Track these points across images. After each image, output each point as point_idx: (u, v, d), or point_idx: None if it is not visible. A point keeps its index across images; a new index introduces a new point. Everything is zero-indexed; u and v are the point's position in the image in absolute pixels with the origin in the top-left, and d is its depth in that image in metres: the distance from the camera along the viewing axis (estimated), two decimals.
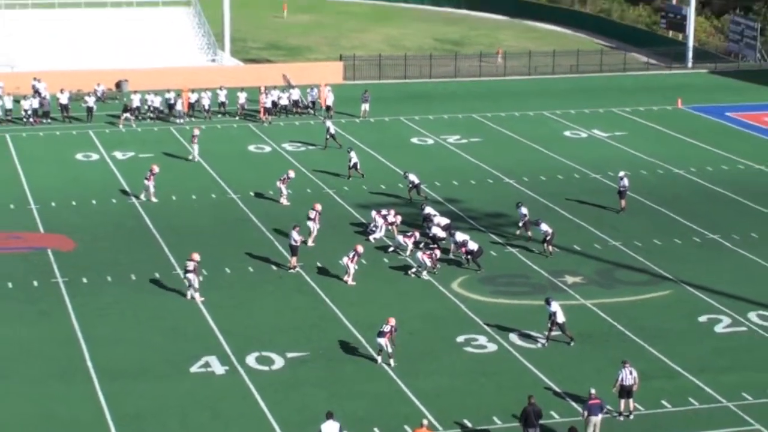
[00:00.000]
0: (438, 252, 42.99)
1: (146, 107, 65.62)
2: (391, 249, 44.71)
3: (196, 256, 40.06)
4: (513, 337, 37.09)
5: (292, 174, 51.07)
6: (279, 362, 35.13)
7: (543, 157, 59.35)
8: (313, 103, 68.08)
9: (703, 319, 39.00)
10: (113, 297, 40.07)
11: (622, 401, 32.04)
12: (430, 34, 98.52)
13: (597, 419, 30.41)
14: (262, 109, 65.87)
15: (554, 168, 57.05)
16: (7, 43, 76.18)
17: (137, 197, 50.51)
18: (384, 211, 46.53)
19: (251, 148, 60.40)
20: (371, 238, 45.56)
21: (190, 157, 56.91)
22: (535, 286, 41.78)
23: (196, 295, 39.77)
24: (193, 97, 66.51)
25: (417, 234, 44.98)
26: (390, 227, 45.90)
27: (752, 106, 72.49)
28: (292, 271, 42.44)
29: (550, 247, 44.52)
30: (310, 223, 45.54)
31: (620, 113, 69.91)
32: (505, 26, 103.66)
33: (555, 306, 36.51)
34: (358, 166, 54.17)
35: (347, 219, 48.71)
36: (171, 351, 35.82)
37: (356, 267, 41.44)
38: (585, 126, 66.30)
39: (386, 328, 34.84)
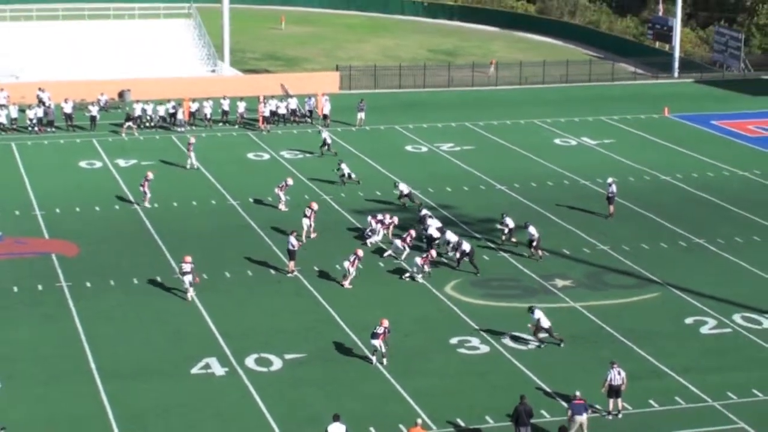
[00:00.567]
0: (434, 253, 43.65)
1: (148, 116, 66.33)
2: (387, 254, 45.46)
3: (189, 259, 40.90)
4: (505, 338, 37.58)
5: (290, 181, 51.70)
6: (277, 363, 35.51)
7: (534, 164, 59.95)
8: (311, 112, 68.71)
9: (689, 320, 39.45)
10: (116, 300, 40.51)
11: (611, 401, 32.38)
12: (424, 45, 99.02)
13: (582, 418, 30.71)
14: (261, 118, 66.50)
15: (544, 175, 57.65)
16: (13, 54, 76.78)
17: (139, 204, 51.07)
18: (380, 216, 47.37)
19: (250, 155, 61.00)
20: (368, 242, 46.33)
21: (188, 166, 57.62)
22: (527, 289, 42.32)
23: (191, 294, 40.62)
24: (194, 107, 67.33)
25: (413, 232, 45.43)
26: (386, 231, 46.68)
27: (736, 115, 73.10)
28: (290, 275, 43.08)
29: (540, 251, 45.19)
30: (305, 220, 46.57)
31: (608, 121, 70.51)
32: (496, 37, 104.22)
33: (538, 314, 37.03)
34: (353, 176, 54.90)
35: (344, 224, 49.28)
36: (172, 352, 36.20)
37: (356, 271, 42.03)
38: (574, 134, 66.87)
39: (380, 330, 35.44)
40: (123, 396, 33.29)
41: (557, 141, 65.54)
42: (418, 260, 42.85)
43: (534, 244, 45.06)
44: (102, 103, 68.91)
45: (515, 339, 37.73)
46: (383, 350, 35.54)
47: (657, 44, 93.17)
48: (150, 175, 51.54)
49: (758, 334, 38.49)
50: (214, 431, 31.59)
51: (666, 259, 45.63)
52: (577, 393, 31.40)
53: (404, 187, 51.76)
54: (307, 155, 60.58)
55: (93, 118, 65.36)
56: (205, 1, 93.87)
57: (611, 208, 50.57)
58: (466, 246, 43.67)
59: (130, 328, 38.29)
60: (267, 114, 66.63)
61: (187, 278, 40.63)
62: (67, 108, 65.22)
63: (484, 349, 37.06)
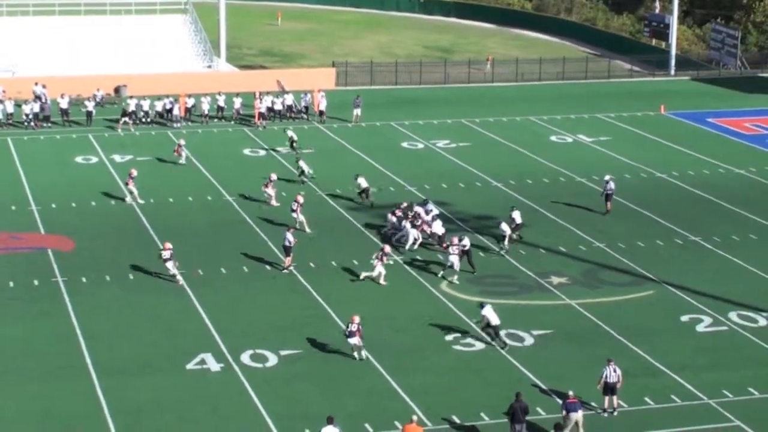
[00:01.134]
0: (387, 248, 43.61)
1: (143, 112, 66.35)
2: (395, 238, 45.75)
3: (169, 245, 41.39)
4: (501, 335, 37.32)
5: (274, 176, 51.70)
6: (273, 360, 35.56)
7: (529, 161, 60.03)
8: (306, 108, 68.80)
9: (685, 318, 39.50)
10: (112, 296, 40.56)
11: (607, 398, 32.41)
12: (420, 41, 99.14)
13: (578, 415, 30.72)
14: (257, 114, 66.64)
15: (540, 172, 57.71)
16: (9, 48, 76.66)
17: (124, 201, 51.10)
18: (399, 213, 47.00)
19: (246, 151, 61.02)
20: (405, 246, 45.51)
21: (181, 161, 57.57)
22: (522, 286, 42.37)
23: (179, 276, 41.29)
24: (190, 102, 67.35)
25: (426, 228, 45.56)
26: (421, 230, 46.09)
27: (732, 112, 73.19)
28: (285, 271, 43.11)
29: (507, 243, 45.47)
30: (293, 215, 46.88)
31: (605, 119, 70.59)
32: (492, 34, 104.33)
33: (487, 310, 36.90)
34: (310, 172, 54.51)
35: (339, 221, 49.35)
36: (168, 348, 36.23)
37: (383, 267, 42.12)
38: (570, 131, 66.95)
39: (353, 327, 35.47)
40: (118, 391, 33.32)
41: (553, 138, 65.63)
42: (455, 259, 42.52)
43: (505, 235, 45.35)
44: (98, 99, 68.95)
45: (510, 335, 37.72)
46: (361, 344, 35.65)
47: (653, 42, 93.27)
48: (134, 172, 51.52)
49: (754, 332, 38.54)
50: (209, 427, 31.60)
51: (662, 257, 45.70)
52: (570, 393, 31.44)
53: (363, 182, 51.55)
54: (303, 151, 60.52)
55: (89, 114, 65.40)
56: None
57: (609, 204, 50.62)
58: (466, 241, 43.65)
59: (125, 324, 38.31)
60: (263, 110, 66.63)
61: (169, 264, 41.02)
62: (64, 103, 65.24)
63: (480, 345, 37.09)
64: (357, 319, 35.72)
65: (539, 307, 40.47)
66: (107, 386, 33.61)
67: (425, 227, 46.12)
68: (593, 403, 32.73)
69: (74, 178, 55.46)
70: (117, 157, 58.94)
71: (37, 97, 66.86)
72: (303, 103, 68.87)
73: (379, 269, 42.09)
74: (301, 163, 54.82)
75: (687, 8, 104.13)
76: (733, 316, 39.81)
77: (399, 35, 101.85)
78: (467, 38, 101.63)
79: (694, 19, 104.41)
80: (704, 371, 35.39)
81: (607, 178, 51.62)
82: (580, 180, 56.45)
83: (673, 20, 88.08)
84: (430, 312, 39.84)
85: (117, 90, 72.60)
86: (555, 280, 42.91)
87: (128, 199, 51.02)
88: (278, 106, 68.00)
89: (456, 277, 42.48)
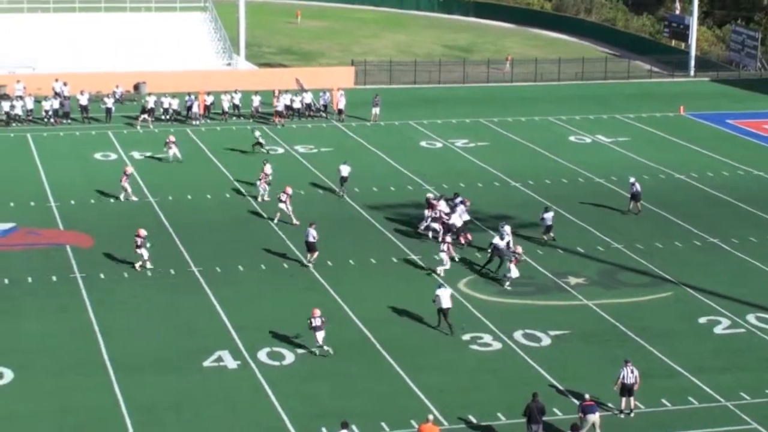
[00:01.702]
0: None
1: (162, 109, 66.57)
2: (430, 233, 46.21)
3: (143, 232, 42.28)
4: (517, 335, 37.60)
5: (268, 169, 51.87)
6: (290, 357, 35.60)
7: (548, 161, 60.00)
8: (325, 106, 68.86)
9: (702, 320, 39.40)
10: (129, 292, 40.68)
11: (623, 399, 32.35)
12: (439, 40, 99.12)
13: (595, 417, 30.63)
14: (275, 112, 66.82)
15: (559, 172, 57.68)
16: (30, 45, 76.96)
17: (117, 198, 50.97)
18: (442, 205, 47.24)
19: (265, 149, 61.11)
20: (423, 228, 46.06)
21: (172, 160, 57.25)
22: (539, 286, 42.32)
23: (147, 263, 42.16)
24: (209, 100, 67.52)
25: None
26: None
27: (752, 114, 73.02)
28: (309, 265, 43.24)
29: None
30: (281, 206, 47.42)
31: (624, 119, 70.50)
32: (511, 34, 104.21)
33: (441, 292, 37.54)
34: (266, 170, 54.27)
35: (358, 219, 49.43)
36: (185, 345, 36.32)
37: (449, 259, 42.85)
38: (589, 131, 66.88)
39: (318, 322, 35.68)
40: (135, 388, 33.40)
41: (572, 138, 65.57)
42: (444, 255, 43.01)
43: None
44: (117, 96, 69.16)
45: (528, 335, 37.75)
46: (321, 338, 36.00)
47: (673, 42, 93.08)
48: (129, 170, 51.62)
49: None
50: (225, 424, 31.66)
51: (680, 258, 45.60)
52: (587, 395, 31.39)
53: (345, 171, 52.22)
54: (322, 149, 60.66)
55: (108, 110, 65.64)
56: None
57: (638, 205, 50.62)
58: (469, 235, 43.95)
59: (143, 320, 38.45)
60: (281, 108, 66.69)
61: (141, 251, 41.99)
62: (83, 100, 65.50)
63: (497, 345, 37.10)
64: (318, 312, 35.89)
65: (556, 308, 40.42)
66: (124, 382, 33.70)
67: (443, 216, 46.40)
68: (610, 404, 32.69)
69: (93, 174, 55.63)
70: (136, 154, 59.14)
71: (57, 94, 67.08)
72: (322, 102, 68.96)
73: (446, 260, 42.64)
74: (267, 168, 52.78)
75: (707, 9, 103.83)
76: (751, 318, 39.67)
77: (418, 34, 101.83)
78: (486, 38, 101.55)
79: (714, 20, 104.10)
80: (722, 373, 35.28)
81: (632, 180, 51.51)
82: (598, 180, 56.38)
83: (693, 21, 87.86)
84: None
85: (136, 87, 72.81)
86: (572, 280, 42.87)
87: (122, 196, 50.99)
88: (297, 105, 68.09)
89: (507, 283, 42.41)
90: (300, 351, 36.10)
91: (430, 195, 48.48)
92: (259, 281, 42.11)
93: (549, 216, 46.83)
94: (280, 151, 60.91)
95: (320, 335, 35.70)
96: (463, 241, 45.87)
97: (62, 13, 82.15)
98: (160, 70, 75.14)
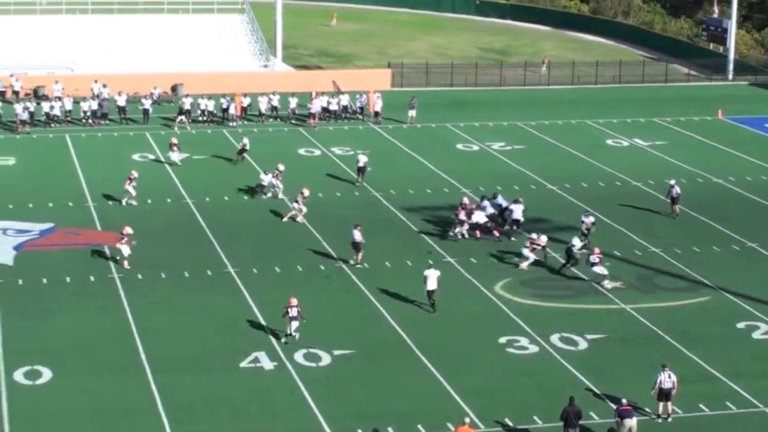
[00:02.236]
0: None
1: (199, 110, 66.82)
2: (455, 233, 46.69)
3: (128, 230, 42.96)
4: (554, 338, 37.55)
5: (282, 167, 52.54)
6: (326, 359, 35.69)
7: (585, 164, 59.81)
8: (362, 108, 68.98)
9: (740, 325, 39.18)
10: (167, 292, 40.91)
11: (661, 404, 32.25)
12: (475, 43, 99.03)
13: (632, 422, 30.55)
14: (309, 114, 66.97)
15: (596, 175, 57.49)
16: (68, 46, 77.51)
17: (119, 202, 51.00)
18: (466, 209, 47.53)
19: (301, 151, 61.22)
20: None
21: (179, 162, 57.35)
22: (576, 290, 42.22)
23: (125, 263, 42.67)
24: (246, 101, 67.76)
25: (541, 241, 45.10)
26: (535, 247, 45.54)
27: None
28: (359, 266, 43.43)
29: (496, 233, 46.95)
30: (294, 205, 48.18)
31: (661, 123, 70.15)
32: (548, 37, 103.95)
33: (429, 272, 39.23)
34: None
35: (394, 222, 49.48)
36: (222, 346, 36.45)
37: (532, 256, 43.66)
38: (626, 135, 66.62)
39: (294, 312, 36.11)
40: (172, 388, 33.56)
41: (609, 142, 65.35)
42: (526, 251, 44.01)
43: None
44: (155, 97, 69.47)
45: (564, 339, 37.68)
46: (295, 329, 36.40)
47: (711, 46, 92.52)
48: (135, 174, 51.67)
49: None
50: (262, 425, 31.75)
51: (718, 263, 45.38)
52: (624, 400, 31.26)
53: (362, 160, 54.12)
54: (358, 151, 60.58)
55: (146, 111, 65.96)
56: None
57: (676, 208, 50.48)
58: (543, 239, 44.53)
59: (180, 321, 38.62)
60: (314, 110, 66.75)
61: (122, 247, 42.80)
62: (121, 101, 65.90)
63: (533, 348, 37.05)
64: (294, 300, 36.27)
65: (593, 311, 40.32)
66: (161, 382, 33.86)
67: (462, 214, 46.88)
68: (647, 409, 32.57)
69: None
70: (173, 155, 59.33)
71: (95, 95, 67.50)
72: (358, 104, 69.03)
73: (530, 257, 43.45)
74: (281, 166, 53.32)
75: (746, 13, 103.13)
76: None
77: (454, 37, 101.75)
78: (522, 41, 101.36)
79: (753, 23, 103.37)
80: (760, 378, 35.08)
81: (672, 182, 51.26)
82: (635, 184, 56.15)
83: (732, 24, 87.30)
84: (484, 314, 39.84)
85: (174, 88, 73.12)
86: (609, 284, 42.67)
87: (124, 201, 51.05)
88: (333, 107, 68.21)
89: (607, 281, 42.66)
90: (336, 353, 36.13)
91: (465, 200, 48.31)
92: (296, 283, 42.13)
93: (590, 219, 46.95)
94: (317, 152, 61.04)
95: (294, 324, 36.17)
96: (497, 234, 46.68)
97: (100, 14, 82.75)
98: (198, 71, 75.48)
